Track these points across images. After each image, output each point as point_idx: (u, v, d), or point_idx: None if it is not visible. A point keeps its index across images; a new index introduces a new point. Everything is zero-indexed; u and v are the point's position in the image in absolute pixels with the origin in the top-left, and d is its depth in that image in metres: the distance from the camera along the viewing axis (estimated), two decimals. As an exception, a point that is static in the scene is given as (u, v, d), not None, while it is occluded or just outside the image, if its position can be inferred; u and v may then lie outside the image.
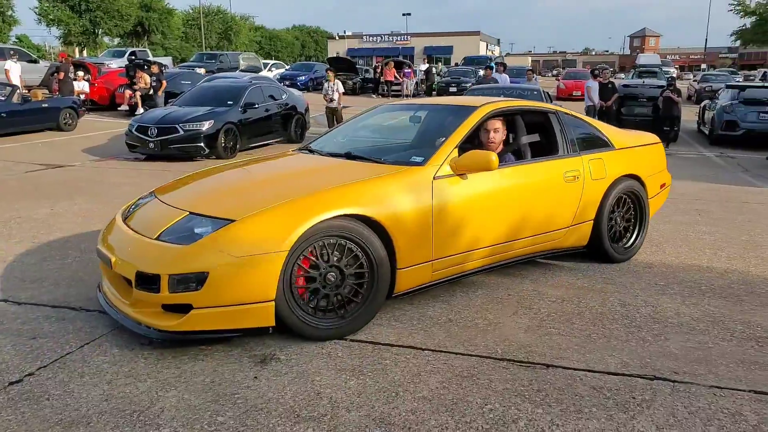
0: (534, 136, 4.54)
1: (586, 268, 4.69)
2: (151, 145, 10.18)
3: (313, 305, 3.27)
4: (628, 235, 4.96)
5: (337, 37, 73.05)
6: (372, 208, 3.36)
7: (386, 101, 24.41)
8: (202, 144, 10.26)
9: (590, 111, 13.98)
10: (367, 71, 30.84)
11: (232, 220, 3.13)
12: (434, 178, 3.69)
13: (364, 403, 2.70)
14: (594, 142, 4.81)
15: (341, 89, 13.00)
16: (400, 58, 30.67)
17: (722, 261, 4.93)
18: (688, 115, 16.26)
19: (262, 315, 3.09)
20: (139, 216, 3.64)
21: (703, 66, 56.13)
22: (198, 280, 2.99)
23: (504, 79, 15.21)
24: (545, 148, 4.56)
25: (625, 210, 4.90)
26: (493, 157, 3.72)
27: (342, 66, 28.78)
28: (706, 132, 14.35)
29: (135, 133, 10.37)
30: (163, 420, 2.56)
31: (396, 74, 26.83)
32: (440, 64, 44.60)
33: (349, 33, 74.23)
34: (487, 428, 2.51)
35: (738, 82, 19.68)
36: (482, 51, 64.20)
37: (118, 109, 16.95)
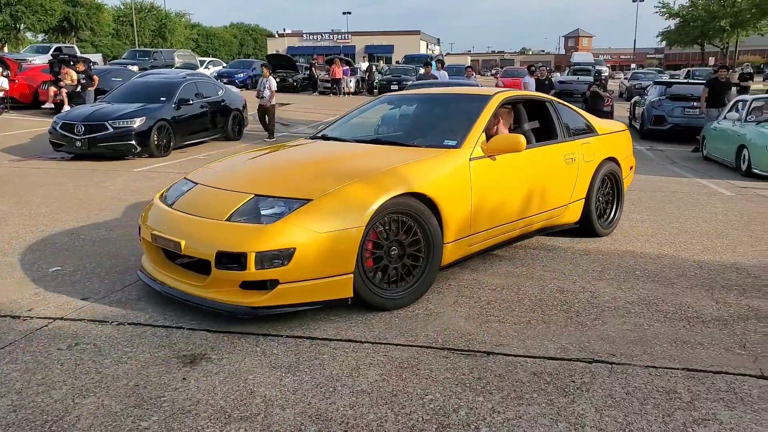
0: (534, 123, 4.94)
1: (524, 256, 4.71)
2: (78, 143, 9.63)
3: (379, 277, 3.49)
4: (608, 211, 5.47)
5: (276, 36, 72.10)
6: (427, 187, 3.63)
7: (338, 99, 24.41)
8: (133, 142, 9.80)
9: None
10: (307, 68, 30.54)
11: (310, 200, 3.29)
12: (470, 159, 4.02)
13: (299, 400, 2.57)
14: (582, 128, 5.30)
15: (274, 86, 12.54)
16: (342, 56, 30.46)
17: (654, 247, 5.06)
18: (621, 111, 16.85)
19: (341, 287, 3.30)
20: (190, 202, 3.66)
21: (633, 66, 58.47)
22: (285, 256, 3.12)
23: (443, 75, 15.32)
24: (545, 134, 4.99)
25: (606, 189, 5.41)
26: (522, 139, 4.07)
27: (281, 63, 28.37)
28: (637, 127, 14.90)
29: (60, 131, 9.79)
30: (79, 429, 2.35)
31: (342, 72, 26.63)
32: (381, 62, 44.65)
33: (289, 31, 73.37)
34: (427, 419, 2.44)
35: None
36: (423, 50, 64.77)
37: (43, 107, 16.03)
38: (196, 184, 3.89)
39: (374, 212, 3.32)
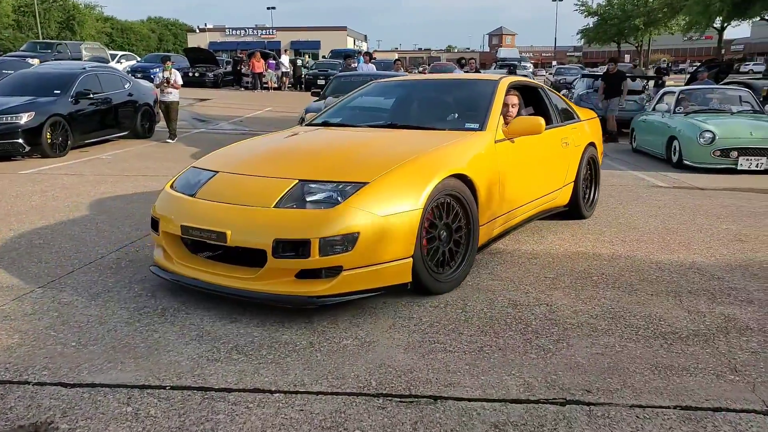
0: (530, 108, 5.02)
1: None
2: (-49, 142, 8.30)
3: (432, 260, 3.38)
4: (588, 194, 5.59)
5: (197, 30, 69.12)
6: (467, 169, 3.60)
7: (261, 94, 23.24)
8: (20, 140, 8.55)
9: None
10: (228, 63, 29.15)
11: (366, 182, 3.14)
12: (495, 141, 4.03)
13: (178, 492, 1.82)
14: (569, 114, 5.45)
15: (179, 80, 11.27)
16: (266, 51, 29.20)
17: (606, 246, 4.60)
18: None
19: (401, 272, 3.18)
20: (217, 190, 3.37)
21: (554, 63, 60.14)
22: (350, 241, 2.97)
23: (370, 68, 14.76)
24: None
25: (587, 172, 5.51)
26: (542, 121, 4.10)
27: (200, 57, 26.85)
28: (566, 120, 14.80)
29: (-70, 129, 8.40)
30: None
31: (264, 66, 25.45)
32: (308, 57, 43.53)
33: (210, 26, 70.59)
34: None
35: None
36: (350, 46, 63.97)
37: None
38: (216, 172, 3.58)
39: (429, 194, 3.24)
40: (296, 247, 2.95)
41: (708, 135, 8.39)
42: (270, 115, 16.74)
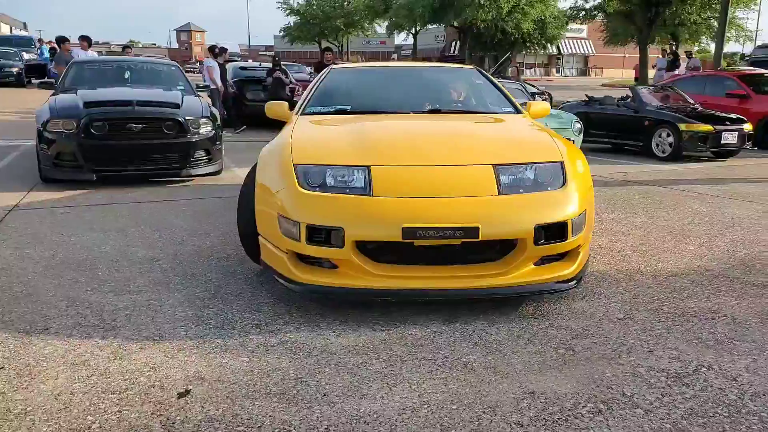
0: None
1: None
2: None
3: None
4: None
5: None
6: None
7: None
8: None
9: (215, 94, 11.81)
10: None
11: (561, 161, 3.21)
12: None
13: None
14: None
15: None
16: None
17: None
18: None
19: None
20: (399, 186, 3.00)
21: (250, 61, 59.42)
22: (583, 220, 3.04)
23: (94, 55, 11.76)
24: None
25: None
26: (549, 104, 4.83)
27: None
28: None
29: None
30: None
31: None
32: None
33: None
34: None
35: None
36: (5, 32, 52.99)
37: None
38: (368, 166, 3.07)
39: None
40: (555, 231, 2.93)
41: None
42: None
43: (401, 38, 61.69)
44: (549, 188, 3.04)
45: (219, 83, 11.97)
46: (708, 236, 4.55)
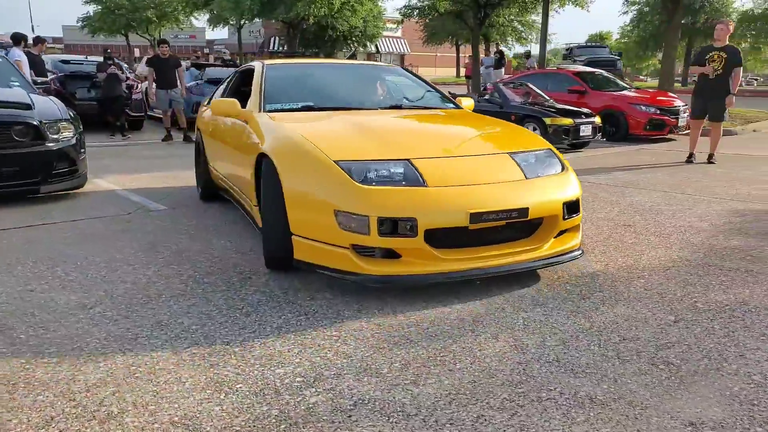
0: None
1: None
2: None
3: None
4: None
5: None
6: None
7: None
8: None
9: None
10: None
11: (550, 147, 3.72)
12: None
13: None
14: None
15: None
16: None
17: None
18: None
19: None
20: (444, 175, 3.13)
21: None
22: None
23: None
24: None
25: None
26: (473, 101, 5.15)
27: None
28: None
29: None
30: None
31: None
32: None
33: None
34: None
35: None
36: None
37: None
38: (409, 159, 3.20)
39: None
40: (572, 207, 3.34)
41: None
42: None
43: (216, 33, 58.92)
44: (554, 171, 3.46)
45: (28, 76, 10.00)
46: (653, 225, 4.73)
